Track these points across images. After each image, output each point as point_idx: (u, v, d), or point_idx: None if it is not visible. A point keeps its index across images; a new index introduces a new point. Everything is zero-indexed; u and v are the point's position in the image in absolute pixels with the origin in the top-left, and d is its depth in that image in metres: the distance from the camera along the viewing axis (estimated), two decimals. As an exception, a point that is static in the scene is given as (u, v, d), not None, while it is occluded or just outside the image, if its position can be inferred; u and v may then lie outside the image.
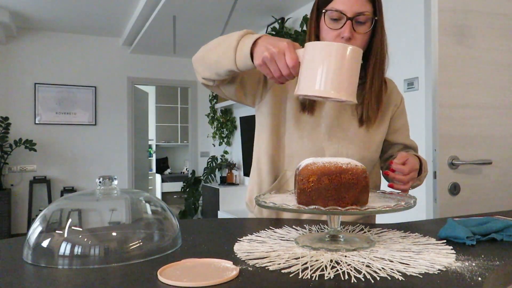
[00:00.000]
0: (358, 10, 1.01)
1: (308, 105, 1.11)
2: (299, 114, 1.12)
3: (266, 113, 1.15)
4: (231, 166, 5.54)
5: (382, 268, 0.64)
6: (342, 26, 1.01)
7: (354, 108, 1.14)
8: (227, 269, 0.63)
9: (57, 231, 0.73)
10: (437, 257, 0.70)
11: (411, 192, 1.03)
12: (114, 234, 0.77)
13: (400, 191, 0.97)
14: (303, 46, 0.84)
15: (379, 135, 1.16)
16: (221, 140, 5.87)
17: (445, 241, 0.82)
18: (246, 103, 1.17)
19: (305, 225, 0.97)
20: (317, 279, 0.60)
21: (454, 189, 1.73)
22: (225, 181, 5.47)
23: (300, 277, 0.61)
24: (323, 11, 1.04)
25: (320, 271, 0.63)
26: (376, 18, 1.04)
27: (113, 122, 5.59)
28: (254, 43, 0.87)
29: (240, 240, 0.82)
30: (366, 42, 1.06)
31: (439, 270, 0.64)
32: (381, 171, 1.24)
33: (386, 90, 1.18)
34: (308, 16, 1.28)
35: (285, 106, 1.14)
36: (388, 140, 1.21)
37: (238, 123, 5.61)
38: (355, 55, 0.79)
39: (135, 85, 5.87)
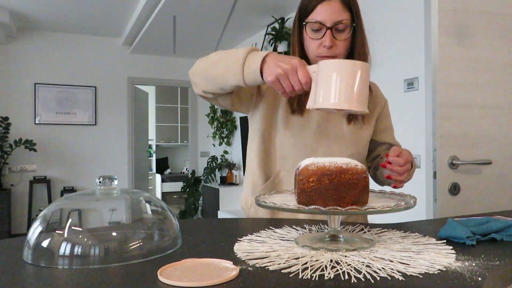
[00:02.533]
0: (336, 19, 1.06)
1: (297, 107, 1.15)
2: (290, 116, 1.16)
3: (259, 119, 1.19)
4: (231, 166, 5.55)
5: (382, 268, 0.65)
6: (323, 36, 1.07)
7: None
8: (227, 269, 0.63)
9: (57, 231, 0.73)
10: (437, 257, 0.70)
11: (411, 191, 1.03)
12: (114, 234, 0.77)
13: (396, 183, 1.03)
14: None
15: (367, 132, 1.22)
16: (221, 140, 5.87)
17: (445, 241, 0.82)
18: (241, 111, 1.20)
19: (305, 225, 0.97)
20: (317, 279, 0.60)
21: (454, 189, 1.73)
22: (225, 181, 5.47)
23: (300, 277, 0.61)
24: (304, 23, 1.10)
25: (320, 271, 0.63)
26: (354, 24, 1.09)
27: (113, 122, 5.58)
28: (263, 60, 0.91)
29: (240, 240, 0.82)
30: (347, 47, 1.12)
31: (439, 270, 0.64)
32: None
33: (371, 92, 1.23)
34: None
35: (277, 112, 1.18)
36: (375, 140, 1.27)
37: (238, 123, 5.61)
38: (364, 70, 0.87)
39: (135, 85, 5.87)
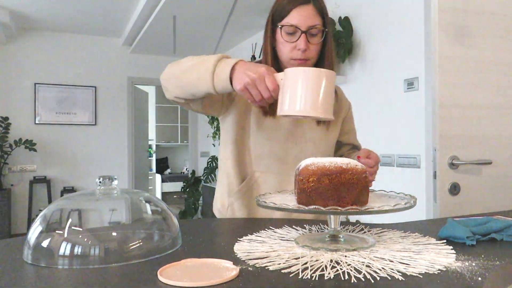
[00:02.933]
0: (310, 23, 1.09)
1: (270, 109, 1.17)
2: (262, 118, 1.18)
3: (231, 122, 1.21)
4: (231, 166, 5.54)
5: (382, 268, 0.65)
6: (298, 39, 1.10)
7: None
8: (227, 269, 0.63)
9: (57, 231, 0.73)
10: (437, 257, 0.70)
11: (411, 191, 1.03)
12: (114, 234, 0.77)
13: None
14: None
15: (334, 133, 1.27)
16: (221, 140, 5.87)
17: (445, 241, 0.82)
18: (212, 114, 1.23)
19: (305, 225, 0.97)
20: (317, 279, 0.60)
21: (454, 189, 1.73)
22: (225, 181, 5.46)
23: (300, 277, 0.61)
24: (279, 26, 1.12)
25: (320, 271, 0.63)
26: (326, 29, 1.13)
27: (113, 122, 5.58)
28: (232, 68, 0.92)
29: (240, 240, 0.82)
30: (319, 51, 1.16)
31: (439, 270, 0.64)
32: None
33: (337, 96, 1.28)
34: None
35: (249, 115, 1.20)
36: (340, 141, 1.33)
37: (238, 123, 5.60)
38: (330, 78, 0.88)
39: (135, 85, 5.86)
